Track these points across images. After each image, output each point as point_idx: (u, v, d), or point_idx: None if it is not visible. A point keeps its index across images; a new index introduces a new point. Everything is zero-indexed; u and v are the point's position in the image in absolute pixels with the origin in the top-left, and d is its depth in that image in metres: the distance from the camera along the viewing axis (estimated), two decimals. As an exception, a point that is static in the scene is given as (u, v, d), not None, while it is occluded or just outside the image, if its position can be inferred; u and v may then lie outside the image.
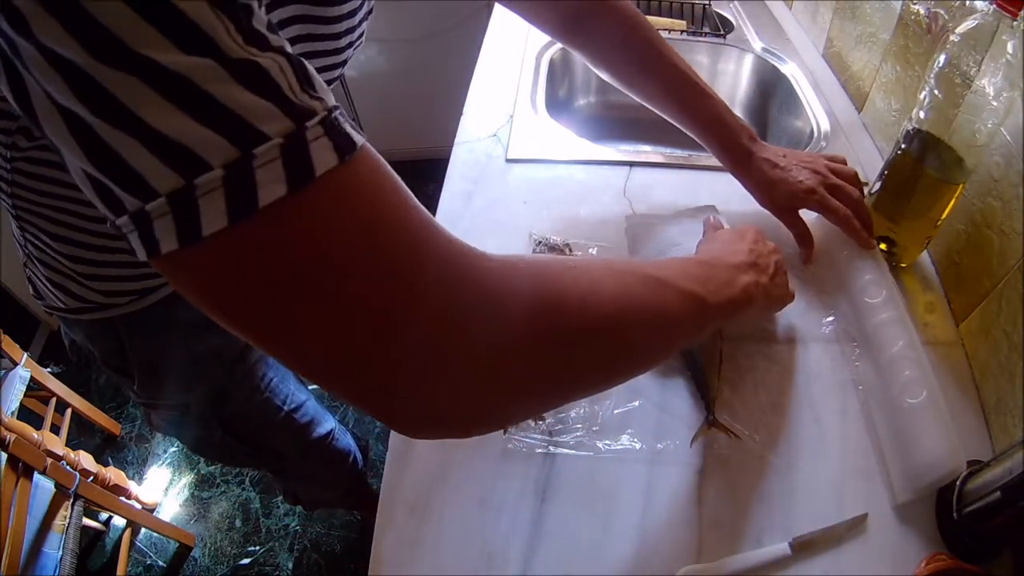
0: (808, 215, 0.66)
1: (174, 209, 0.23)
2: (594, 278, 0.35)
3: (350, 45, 0.51)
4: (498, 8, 1.12)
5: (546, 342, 0.32)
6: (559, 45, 1.02)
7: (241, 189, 0.23)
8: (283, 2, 0.43)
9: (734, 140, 0.65)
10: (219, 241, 0.23)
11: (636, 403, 0.56)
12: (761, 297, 0.49)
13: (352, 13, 0.48)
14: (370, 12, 0.53)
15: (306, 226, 0.24)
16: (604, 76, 0.71)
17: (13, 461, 0.92)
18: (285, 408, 0.81)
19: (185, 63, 0.22)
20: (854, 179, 0.65)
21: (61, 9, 0.20)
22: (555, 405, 0.39)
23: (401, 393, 0.28)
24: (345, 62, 0.53)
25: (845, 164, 0.67)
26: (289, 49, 0.26)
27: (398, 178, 0.28)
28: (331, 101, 0.26)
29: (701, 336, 0.45)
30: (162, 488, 1.43)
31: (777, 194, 0.65)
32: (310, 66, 0.26)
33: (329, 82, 0.53)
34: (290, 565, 1.30)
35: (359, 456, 1.06)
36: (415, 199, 0.29)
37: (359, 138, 0.26)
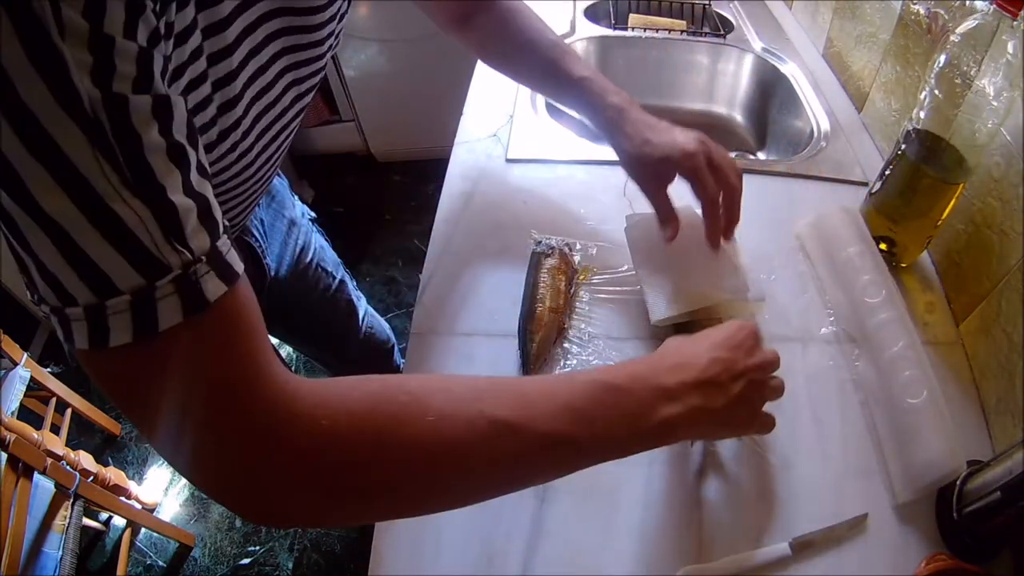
0: (802, 204, 0.65)
1: (58, 320, 0.28)
2: (422, 433, 0.33)
3: (330, 48, 0.52)
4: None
5: (344, 493, 0.33)
6: (559, 45, 1.03)
7: (98, 327, 0.27)
8: (267, 18, 0.43)
9: (607, 98, 0.61)
10: (85, 356, 0.28)
11: (636, 403, 0.56)
12: (695, 426, 0.40)
13: (333, 18, 0.49)
14: (344, 14, 0.53)
15: (141, 371, 0.29)
16: (491, 66, 0.72)
17: (13, 461, 0.92)
18: None
19: (58, 208, 0.25)
20: (736, 171, 0.58)
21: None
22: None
23: (233, 499, 0.33)
24: (324, 66, 0.53)
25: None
26: (190, 178, 0.28)
27: (254, 324, 0.32)
28: (202, 247, 0.29)
29: (583, 467, 0.38)
30: (162, 488, 1.43)
31: (649, 152, 0.57)
32: (197, 204, 0.29)
33: (310, 89, 0.52)
34: (290, 565, 1.30)
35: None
36: (260, 345, 0.31)
37: (216, 291, 0.29)
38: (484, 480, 0.36)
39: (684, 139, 0.57)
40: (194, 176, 0.29)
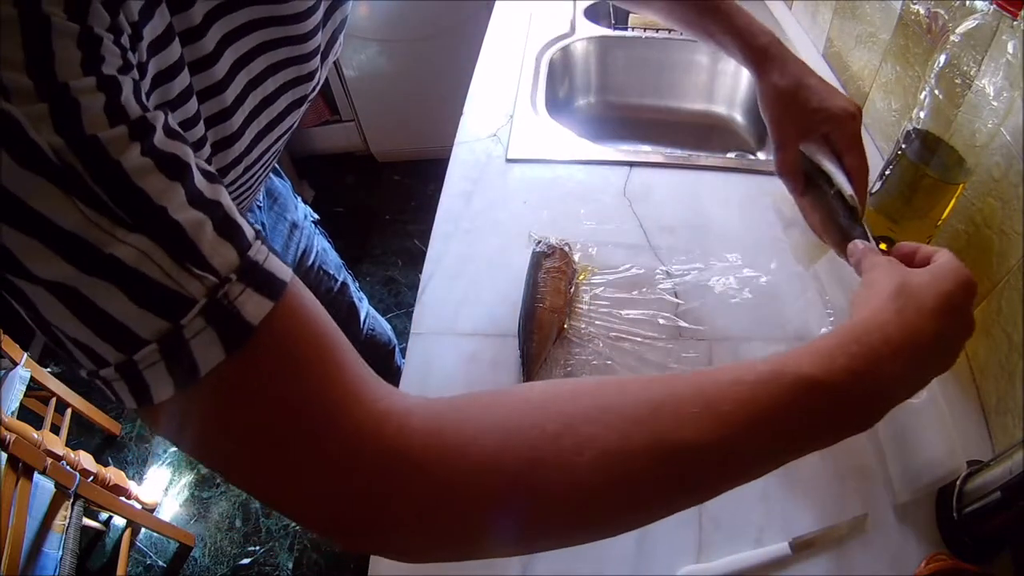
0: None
1: (101, 384, 0.25)
2: (579, 476, 0.26)
3: (317, 51, 0.48)
4: (498, 8, 1.12)
5: (487, 512, 0.27)
6: (559, 45, 1.03)
7: (137, 384, 0.24)
8: (261, 50, 0.40)
9: (757, 24, 0.56)
10: (141, 413, 0.26)
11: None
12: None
13: (319, 28, 0.45)
14: (338, 28, 0.50)
15: (201, 422, 0.26)
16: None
17: (13, 461, 0.92)
18: None
19: (54, 271, 0.23)
20: None
21: None
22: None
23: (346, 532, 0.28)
24: (321, 77, 0.50)
25: None
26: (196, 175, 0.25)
27: (325, 336, 0.27)
28: (228, 263, 0.24)
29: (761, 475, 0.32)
30: (162, 488, 1.43)
31: (806, 96, 0.52)
32: (210, 214, 0.25)
33: (300, 100, 0.48)
34: (290, 565, 1.30)
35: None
36: (340, 360, 0.27)
37: (259, 310, 0.25)
38: (650, 511, 0.30)
39: (845, 99, 0.52)
40: (200, 182, 0.25)
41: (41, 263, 0.23)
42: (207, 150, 0.38)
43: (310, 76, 0.46)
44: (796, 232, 0.57)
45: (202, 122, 0.36)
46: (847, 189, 0.50)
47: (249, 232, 0.26)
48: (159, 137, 0.25)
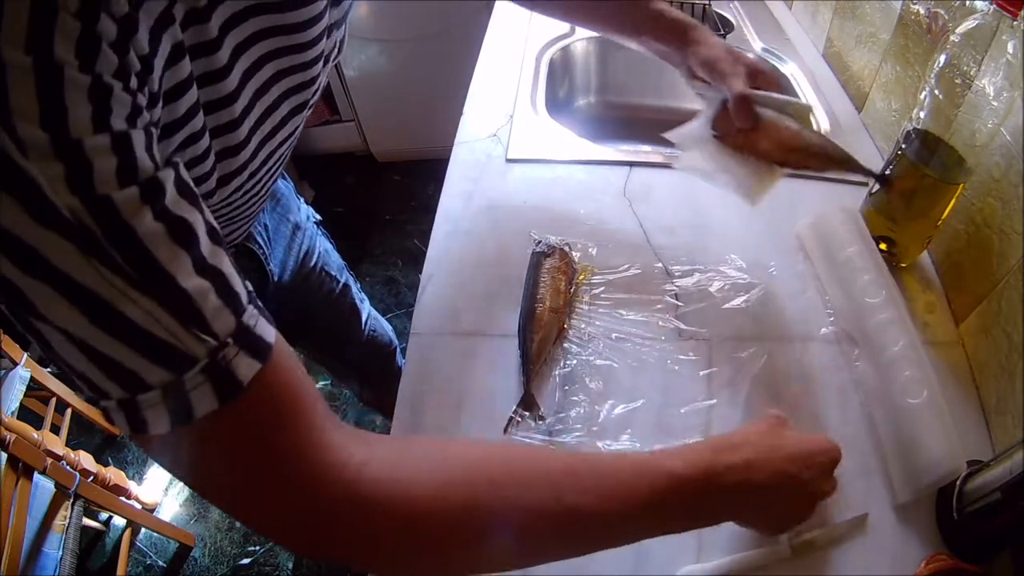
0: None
1: (99, 409, 0.28)
2: (492, 526, 0.34)
3: (325, 64, 0.49)
4: (498, 8, 1.12)
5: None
6: (559, 45, 1.03)
7: (135, 418, 0.27)
8: (267, 57, 0.41)
9: (684, 15, 0.62)
10: (135, 439, 0.29)
11: (638, 403, 0.56)
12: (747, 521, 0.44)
13: (323, 35, 0.45)
14: (338, 23, 0.50)
15: (187, 455, 0.30)
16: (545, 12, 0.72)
17: (13, 461, 0.92)
18: None
19: (67, 319, 0.25)
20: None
21: (4, 288, 0.25)
22: None
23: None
24: (321, 83, 0.50)
25: None
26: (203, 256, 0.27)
27: (299, 391, 0.31)
28: (226, 328, 0.28)
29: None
30: (162, 488, 1.43)
31: (739, 55, 0.59)
32: (213, 282, 0.27)
33: (301, 106, 0.49)
34: (290, 565, 1.30)
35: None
36: (310, 414, 0.31)
37: (249, 371, 0.28)
38: (548, 558, 0.38)
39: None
40: (205, 247, 0.27)
41: (60, 312, 0.25)
42: (211, 159, 0.39)
43: (312, 82, 0.47)
44: (727, 176, 0.61)
45: (207, 134, 0.37)
46: (802, 100, 0.56)
47: (243, 296, 0.29)
48: (170, 197, 0.26)
